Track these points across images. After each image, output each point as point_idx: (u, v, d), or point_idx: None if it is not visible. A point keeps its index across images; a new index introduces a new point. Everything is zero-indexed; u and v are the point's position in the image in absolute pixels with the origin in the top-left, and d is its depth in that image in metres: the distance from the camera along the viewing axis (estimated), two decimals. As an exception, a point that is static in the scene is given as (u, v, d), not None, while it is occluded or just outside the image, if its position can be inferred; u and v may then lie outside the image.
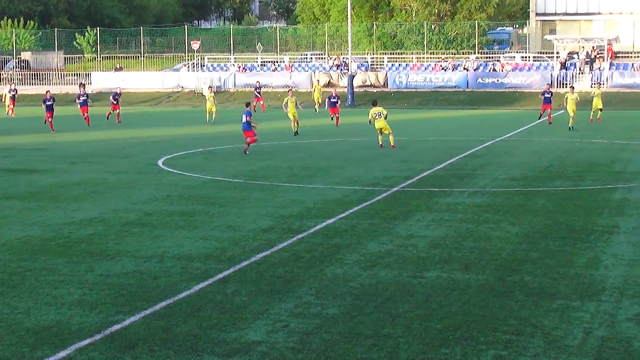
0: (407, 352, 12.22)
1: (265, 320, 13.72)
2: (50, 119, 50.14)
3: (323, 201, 25.16)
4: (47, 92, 52.50)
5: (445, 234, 20.40)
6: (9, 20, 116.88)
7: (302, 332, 13.15)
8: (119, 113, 58.25)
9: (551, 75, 79.25)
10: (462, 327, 13.24)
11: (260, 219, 22.40)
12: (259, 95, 68.64)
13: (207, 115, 56.62)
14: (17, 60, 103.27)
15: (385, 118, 38.24)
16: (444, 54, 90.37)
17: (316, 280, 16.17)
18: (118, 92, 60.01)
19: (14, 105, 66.56)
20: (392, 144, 38.63)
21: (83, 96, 54.56)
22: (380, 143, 38.83)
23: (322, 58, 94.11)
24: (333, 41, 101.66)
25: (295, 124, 46.93)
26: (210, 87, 63.46)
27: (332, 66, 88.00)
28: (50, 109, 50.21)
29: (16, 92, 68.68)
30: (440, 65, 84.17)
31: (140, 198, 26.10)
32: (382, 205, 24.41)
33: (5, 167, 33.95)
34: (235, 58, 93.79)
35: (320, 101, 68.57)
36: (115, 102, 58.15)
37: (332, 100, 54.21)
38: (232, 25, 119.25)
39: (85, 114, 54.05)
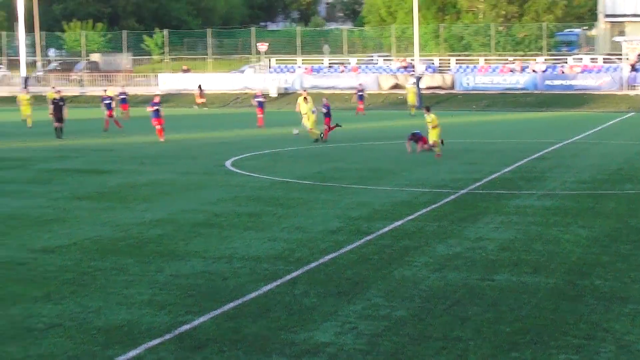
0: (476, 355, 12.14)
1: (334, 321, 13.71)
2: (159, 126, 45.72)
3: (391, 203, 25.10)
4: (155, 96, 48.38)
5: (514, 236, 20.24)
6: (79, 22, 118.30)
7: (370, 334, 13.12)
8: (261, 117, 56.38)
9: (620, 78, 78.32)
10: (532, 331, 13.12)
11: (328, 220, 22.40)
12: (362, 99, 68.00)
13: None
14: (86, 61, 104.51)
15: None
16: (511, 55, 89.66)
17: (385, 282, 16.13)
18: (258, 95, 58.37)
19: (126, 109, 63.93)
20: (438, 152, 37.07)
21: (107, 100, 54.02)
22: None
23: (389, 60, 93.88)
24: (400, 43, 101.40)
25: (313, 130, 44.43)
26: (305, 89, 61.93)
27: (398, 68, 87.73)
28: (156, 114, 45.49)
29: (126, 95, 66.20)
30: (508, 67, 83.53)
31: (208, 199, 26.25)
32: (451, 208, 24.29)
33: (76, 168, 34.34)
34: (302, 60, 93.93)
35: (415, 104, 68.01)
36: (259, 106, 56.79)
37: (323, 110, 48.01)
38: (298, 27, 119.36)
39: (110, 117, 53.52)
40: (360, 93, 68.85)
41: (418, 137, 38.49)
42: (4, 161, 36.88)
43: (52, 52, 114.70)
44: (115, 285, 16.03)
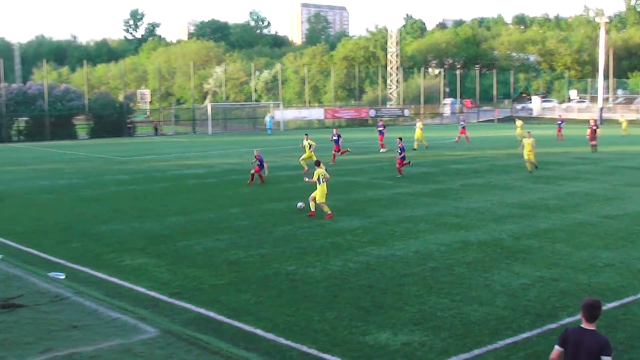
0: None
1: None
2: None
3: None
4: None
5: None
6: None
7: None
8: None
9: None
10: None
11: None
12: None
13: None
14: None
15: None
16: None
17: None
18: None
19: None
20: None
21: (334, 136, 47.84)
22: None
23: None
24: None
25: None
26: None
27: None
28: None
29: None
30: None
31: None
32: None
33: (628, 166, 42.41)
34: None
35: None
36: None
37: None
38: None
39: (337, 152, 47.25)
40: None
41: None
42: (580, 158, 46.33)
43: (620, 92, 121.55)
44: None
